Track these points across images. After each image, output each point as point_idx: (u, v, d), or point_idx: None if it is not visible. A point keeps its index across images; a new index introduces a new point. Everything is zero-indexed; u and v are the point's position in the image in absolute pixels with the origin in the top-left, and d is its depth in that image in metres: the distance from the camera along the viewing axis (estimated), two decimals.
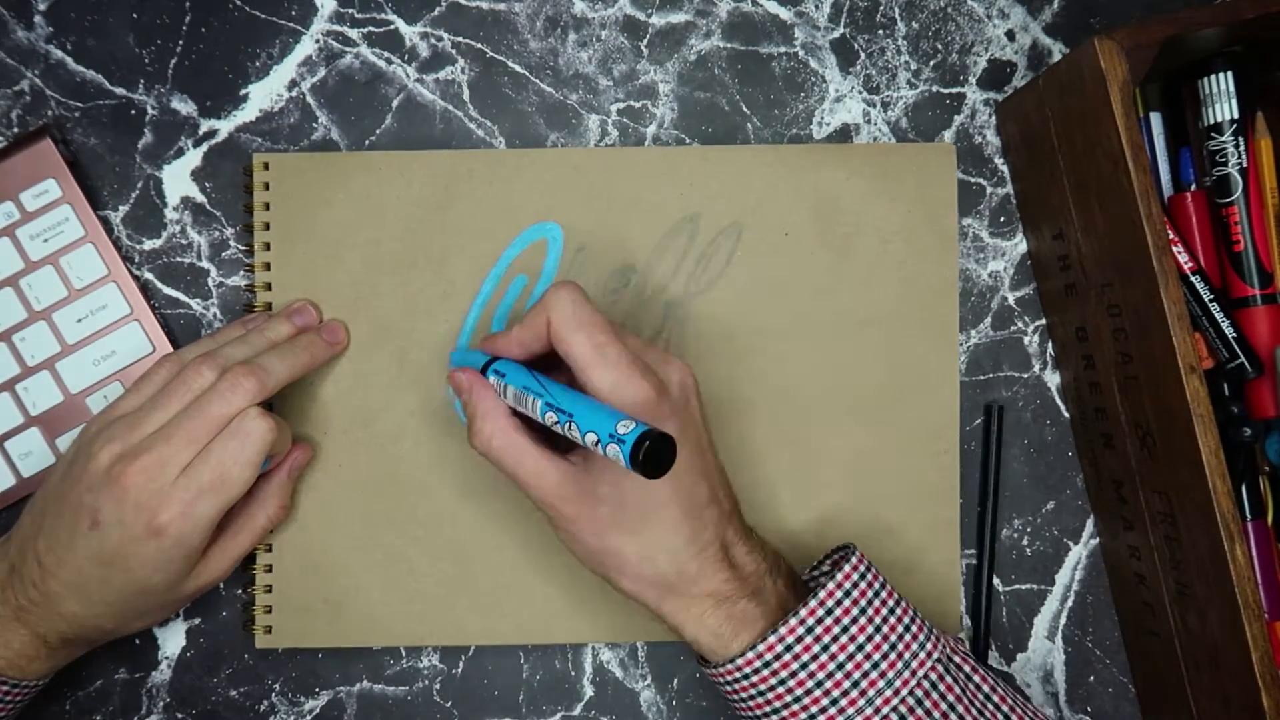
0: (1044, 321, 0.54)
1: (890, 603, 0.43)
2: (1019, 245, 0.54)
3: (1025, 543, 0.54)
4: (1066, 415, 0.54)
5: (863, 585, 0.43)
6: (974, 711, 0.42)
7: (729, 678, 0.42)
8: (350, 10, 0.53)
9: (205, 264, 0.53)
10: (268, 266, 0.52)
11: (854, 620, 0.42)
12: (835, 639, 0.41)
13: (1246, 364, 0.47)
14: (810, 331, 0.52)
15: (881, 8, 0.54)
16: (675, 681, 0.53)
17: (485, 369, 0.44)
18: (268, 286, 0.52)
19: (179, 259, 0.53)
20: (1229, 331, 0.48)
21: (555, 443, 0.43)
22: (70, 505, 0.44)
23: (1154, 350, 0.44)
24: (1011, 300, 0.54)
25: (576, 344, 0.41)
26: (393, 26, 0.54)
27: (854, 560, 0.43)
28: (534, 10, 0.54)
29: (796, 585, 0.44)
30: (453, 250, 0.52)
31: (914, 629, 0.43)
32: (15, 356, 0.51)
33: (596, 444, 0.38)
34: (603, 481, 0.41)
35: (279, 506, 0.49)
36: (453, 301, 0.52)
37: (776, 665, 0.41)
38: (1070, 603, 0.54)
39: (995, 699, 0.43)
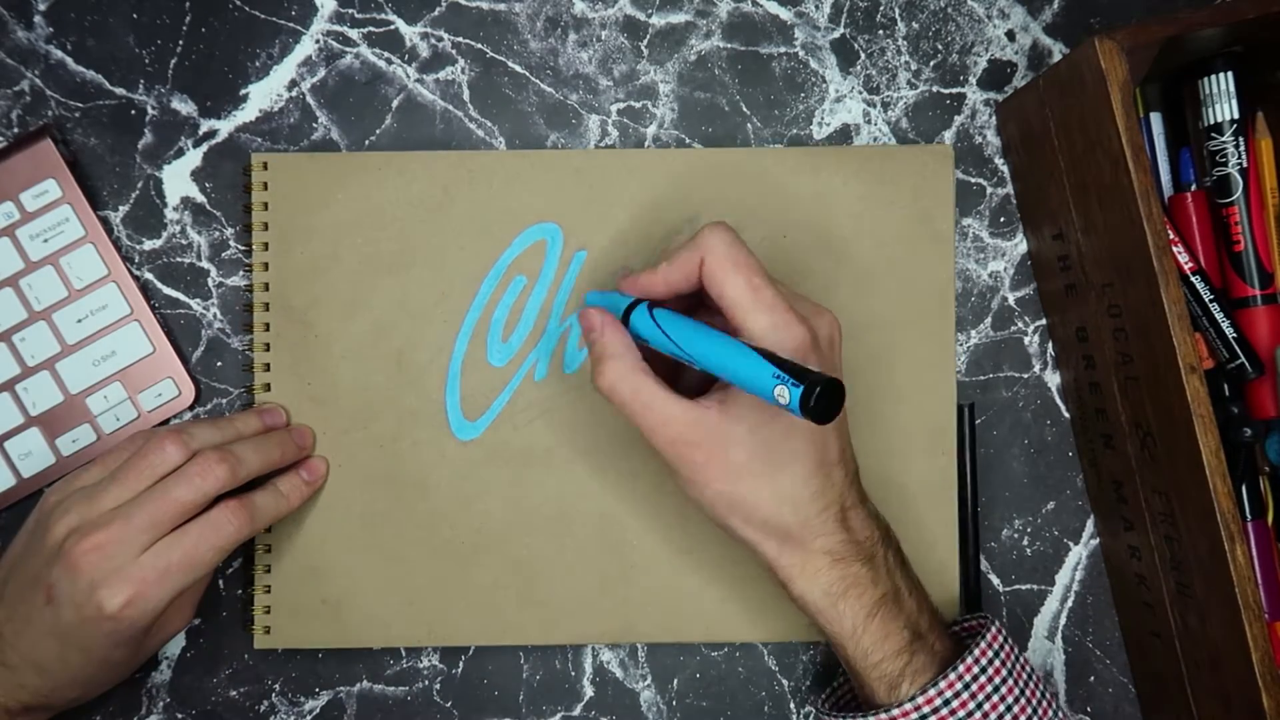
0: (1044, 322, 0.54)
1: (1029, 669, 0.44)
2: (1019, 245, 0.54)
3: (1025, 543, 0.54)
4: (1067, 415, 0.54)
5: (1007, 648, 0.44)
6: None
7: None
8: (350, 10, 0.53)
9: (205, 264, 0.53)
10: (267, 266, 0.52)
11: (1004, 680, 0.42)
12: (988, 697, 0.42)
13: (1247, 364, 0.47)
14: None
15: (882, 8, 0.54)
16: (675, 682, 0.53)
17: (629, 311, 0.43)
18: (266, 287, 0.52)
19: (179, 259, 0.53)
20: (1229, 332, 0.48)
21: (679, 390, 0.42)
22: (28, 577, 0.43)
23: (1154, 350, 0.44)
24: (1012, 300, 0.54)
25: (732, 285, 0.40)
26: (393, 27, 0.54)
27: (995, 628, 0.44)
28: (534, 10, 0.54)
29: (905, 566, 0.45)
30: (452, 250, 0.52)
31: (1049, 696, 0.44)
32: (15, 356, 0.51)
33: (758, 387, 0.37)
34: (740, 425, 0.40)
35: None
36: (452, 302, 0.52)
37: (945, 712, 0.41)
38: (1070, 603, 0.54)
39: None
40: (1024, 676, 0.44)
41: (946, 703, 0.41)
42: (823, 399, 0.36)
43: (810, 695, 0.53)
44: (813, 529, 0.42)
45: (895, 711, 0.41)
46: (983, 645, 0.43)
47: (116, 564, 0.41)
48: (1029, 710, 0.43)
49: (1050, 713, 0.44)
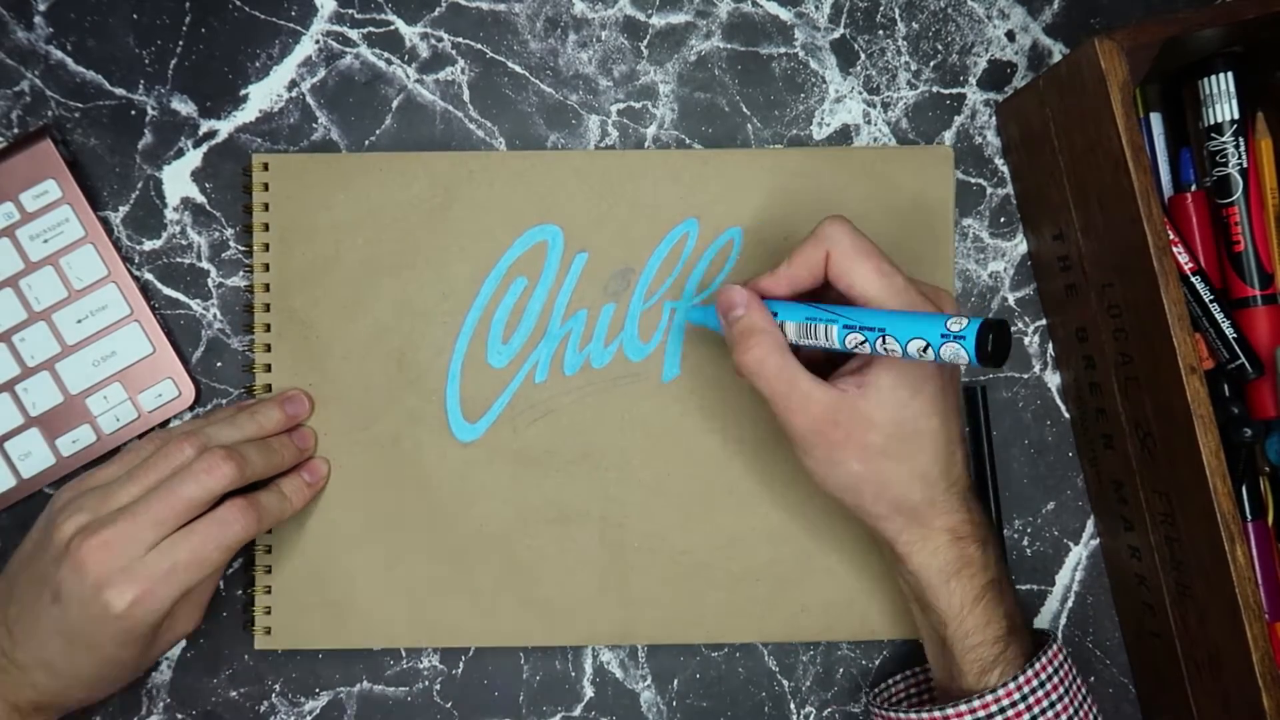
0: (1044, 322, 0.54)
1: (1084, 691, 0.45)
2: (1019, 246, 0.54)
3: (1025, 543, 0.54)
4: (1067, 416, 0.54)
5: (1066, 666, 0.45)
6: None
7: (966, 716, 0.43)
8: (350, 11, 0.53)
9: (205, 264, 0.53)
10: (267, 267, 0.52)
11: (1060, 697, 0.43)
12: (1044, 710, 0.43)
13: (1247, 364, 0.47)
14: None
15: (881, 8, 0.54)
16: (675, 682, 0.53)
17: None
18: (266, 287, 0.52)
19: (179, 259, 0.53)
20: (1229, 332, 0.48)
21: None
22: (36, 575, 0.43)
23: (1154, 351, 0.44)
24: (1012, 300, 0.54)
25: (862, 273, 0.41)
26: (393, 27, 0.53)
27: (1057, 644, 0.45)
28: (534, 11, 0.54)
29: (1004, 560, 0.46)
30: (452, 251, 0.52)
31: (1097, 716, 0.46)
32: (15, 357, 0.51)
33: (925, 349, 0.38)
34: (883, 408, 0.41)
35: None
36: (452, 303, 0.52)
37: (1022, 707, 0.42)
38: (1070, 603, 0.54)
39: None
40: (1079, 696, 0.45)
41: (1025, 697, 0.42)
42: (999, 339, 0.36)
43: (810, 695, 0.53)
44: (938, 506, 0.43)
45: (976, 703, 0.42)
46: (1043, 660, 0.44)
47: (123, 562, 0.41)
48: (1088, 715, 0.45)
49: None
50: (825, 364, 0.45)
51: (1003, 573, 0.45)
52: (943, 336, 0.37)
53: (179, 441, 0.45)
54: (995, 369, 0.36)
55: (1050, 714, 0.43)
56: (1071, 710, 0.44)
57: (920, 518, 0.43)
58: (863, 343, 0.40)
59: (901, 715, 0.45)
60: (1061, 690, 0.43)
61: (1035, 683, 0.43)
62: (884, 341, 0.39)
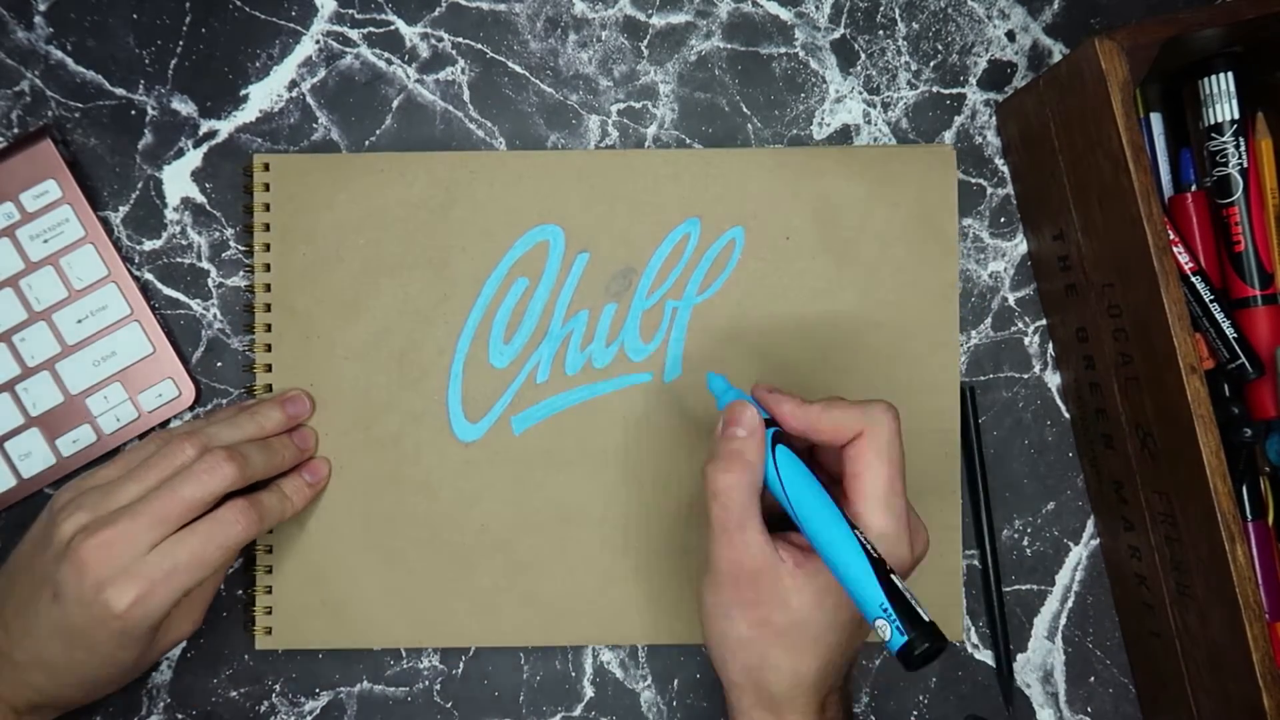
0: (1044, 322, 0.54)
1: None
2: (1019, 246, 0.54)
3: (1025, 543, 0.54)
4: (1067, 416, 0.54)
5: None
6: None
7: None
8: (350, 11, 0.53)
9: (205, 264, 0.53)
10: (268, 267, 0.52)
11: None
12: None
13: (1247, 364, 0.47)
14: (811, 334, 0.52)
15: (882, 8, 0.54)
16: (676, 682, 0.53)
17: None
18: (267, 287, 0.52)
19: (179, 259, 0.53)
20: (1229, 332, 0.48)
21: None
22: (35, 574, 0.43)
23: (1154, 351, 0.44)
24: (1012, 301, 0.54)
25: (875, 475, 0.39)
26: (393, 27, 0.53)
27: None
28: (534, 11, 0.54)
29: None
30: (454, 252, 0.52)
31: None
32: (15, 357, 0.51)
33: (862, 602, 0.37)
34: (802, 597, 0.39)
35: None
36: (453, 303, 0.52)
37: None
38: (1070, 603, 0.54)
39: None
40: None
41: None
42: (924, 659, 0.35)
43: None
44: (795, 705, 0.41)
45: None
46: None
47: (123, 562, 0.41)
48: None
49: None
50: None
51: None
52: (885, 611, 0.36)
53: (179, 441, 0.44)
54: (912, 670, 0.36)
55: None
56: None
57: (774, 707, 0.41)
58: (821, 550, 0.39)
59: None
60: None
61: None
62: (838, 564, 0.38)
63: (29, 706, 0.44)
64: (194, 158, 0.53)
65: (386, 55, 0.53)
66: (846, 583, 0.38)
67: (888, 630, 0.36)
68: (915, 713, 0.54)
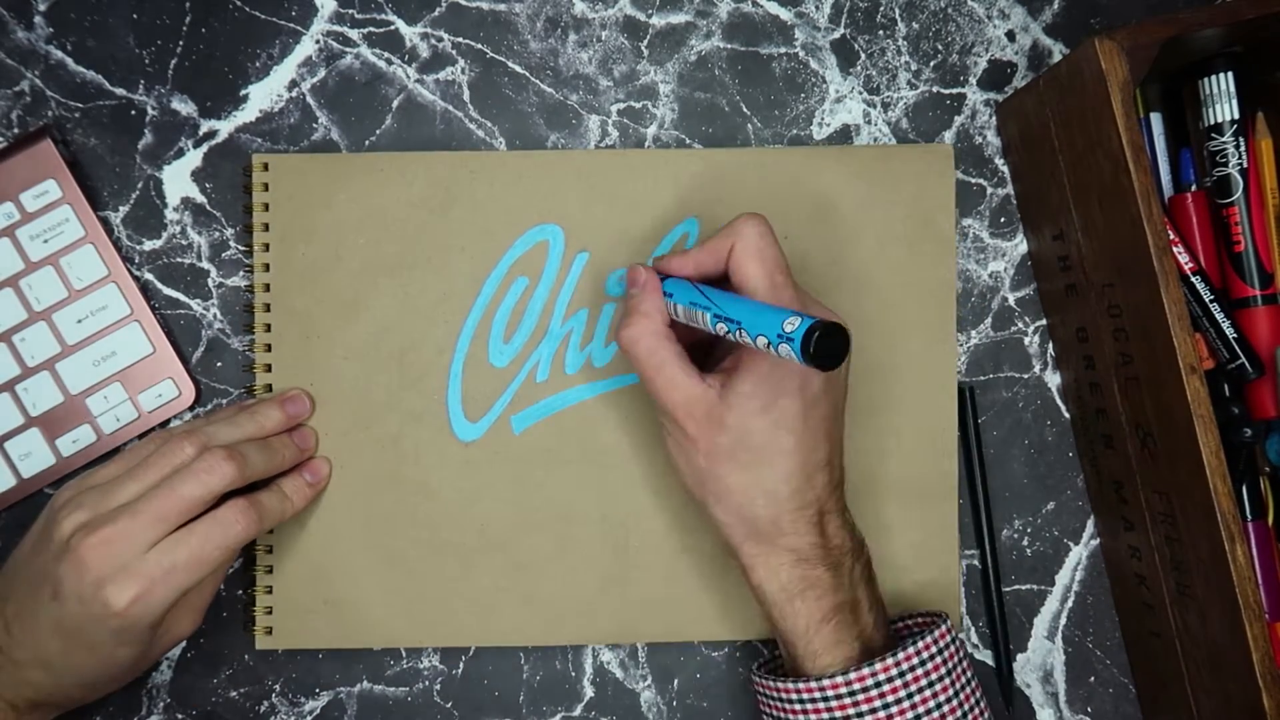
0: (1044, 322, 0.54)
1: (968, 674, 0.44)
2: (1019, 246, 0.54)
3: (1025, 543, 0.54)
4: (1067, 416, 0.54)
5: (952, 648, 0.44)
6: None
7: (804, 695, 0.42)
8: (350, 11, 0.53)
9: (205, 264, 0.53)
10: (267, 267, 0.52)
11: (940, 679, 0.42)
12: (920, 690, 0.42)
13: (1247, 364, 0.47)
14: None
15: (882, 8, 0.54)
16: (675, 682, 0.53)
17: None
18: (267, 287, 0.52)
19: (179, 259, 0.53)
20: (1229, 332, 0.48)
21: (702, 369, 0.44)
22: (35, 573, 0.43)
23: (1154, 351, 0.44)
24: (1012, 301, 0.54)
25: (753, 275, 0.42)
26: (393, 27, 0.53)
27: (945, 626, 0.44)
28: (534, 11, 0.54)
29: (871, 581, 0.45)
30: (453, 252, 0.52)
31: (981, 705, 0.44)
32: (15, 357, 0.51)
33: (768, 346, 0.38)
34: (734, 411, 0.41)
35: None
36: (453, 303, 0.52)
37: (861, 698, 0.41)
38: (1070, 603, 0.54)
39: None
40: (961, 679, 0.44)
41: (878, 684, 0.41)
42: (824, 341, 0.36)
43: None
44: (782, 527, 0.42)
45: (825, 682, 0.42)
46: (928, 639, 0.43)
47: (123, 560, 0.41)
48: (959, 713, 0.43)
49: None
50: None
51: (865, 594, 0.44)
52: (778, 336, 0.38)
53: (179, 440, 0.44)
54: (824, 369, 0.36)
55: (907, 703, 0.42)
56: (942, 700, 0.42)
57: (763, 533, 0.42)
58: (727, 332, 0.41)
59: (766, 683, 0.44)
60: (925, 683, 0.42)
61: (894, 671, 0.42)
62: (741, 332, 0.40)
63: (29, 705, 0.44)
64: (194, 158, 0.53)
65: (386, 55, 0.53)
66: (749, 330, 0.39)
67: (789, 350, 0.37)
68: None
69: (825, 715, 0.42)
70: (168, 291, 0.53)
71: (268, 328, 0.52)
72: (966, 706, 0.43)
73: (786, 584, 0.43)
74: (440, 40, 0.53)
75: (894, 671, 0.42)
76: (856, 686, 0.41)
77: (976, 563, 0.54)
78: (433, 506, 0.51)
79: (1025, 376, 0.54)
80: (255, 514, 0.44)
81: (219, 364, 0.53)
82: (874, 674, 0.41)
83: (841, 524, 0.44)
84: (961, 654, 0.44)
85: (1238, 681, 0.44)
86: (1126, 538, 0.51)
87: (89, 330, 0.51)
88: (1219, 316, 0.48)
